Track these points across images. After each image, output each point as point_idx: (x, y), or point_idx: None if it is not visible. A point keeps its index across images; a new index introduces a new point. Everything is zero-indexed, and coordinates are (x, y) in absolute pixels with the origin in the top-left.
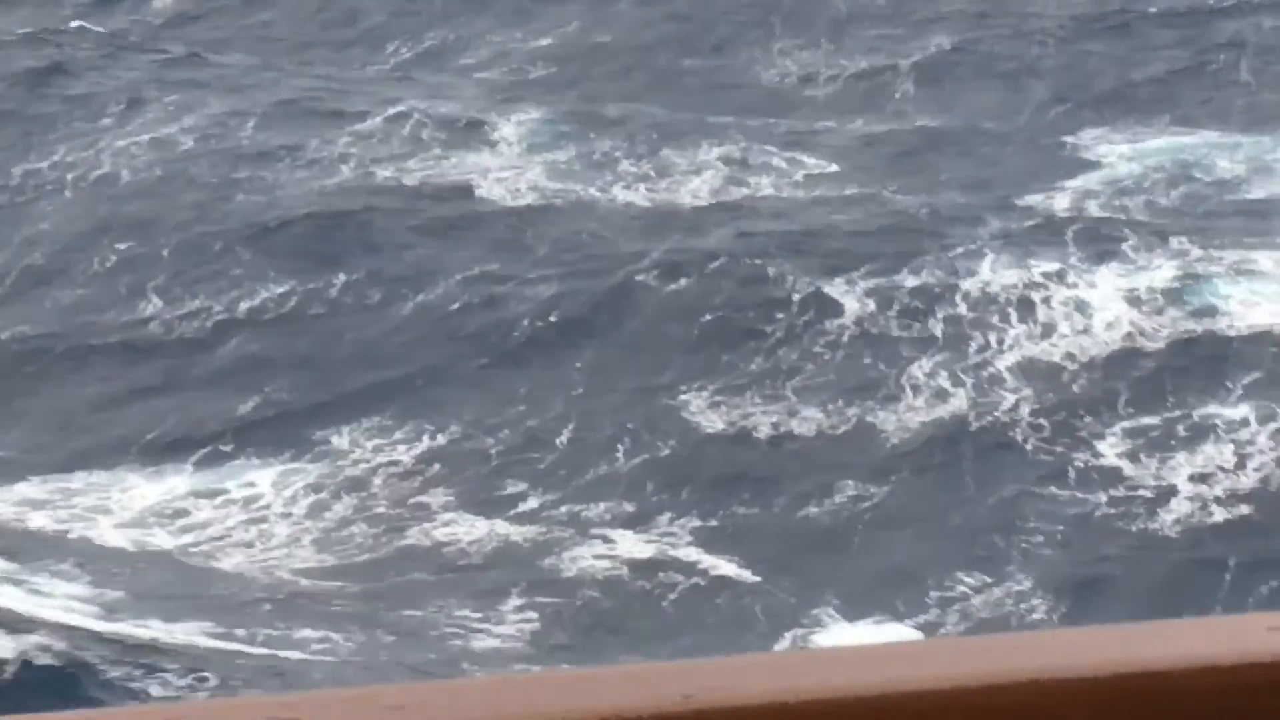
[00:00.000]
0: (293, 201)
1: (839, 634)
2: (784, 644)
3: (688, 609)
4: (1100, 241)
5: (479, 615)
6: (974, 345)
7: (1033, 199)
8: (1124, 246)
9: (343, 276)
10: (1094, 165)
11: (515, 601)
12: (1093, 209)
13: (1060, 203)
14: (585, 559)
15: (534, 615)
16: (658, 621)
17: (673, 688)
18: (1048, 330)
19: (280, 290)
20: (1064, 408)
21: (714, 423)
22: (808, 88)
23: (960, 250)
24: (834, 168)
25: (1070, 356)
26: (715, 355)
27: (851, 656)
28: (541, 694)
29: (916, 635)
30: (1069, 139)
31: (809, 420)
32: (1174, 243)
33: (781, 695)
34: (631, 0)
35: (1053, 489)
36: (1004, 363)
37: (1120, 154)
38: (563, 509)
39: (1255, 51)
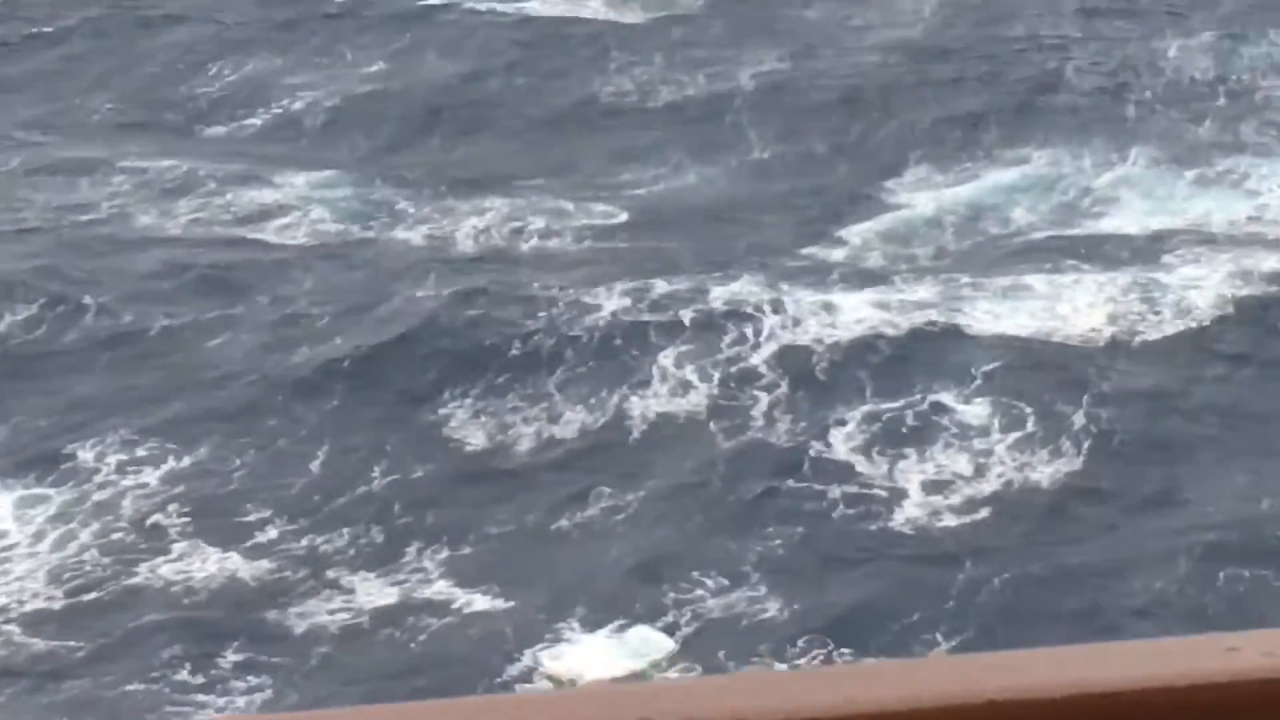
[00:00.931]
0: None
1: (583, 645)
2: (527, 661)
3: (435, 644)
4: (869, 274)
5: (199, 679)
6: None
7: (813, 248)
8: (895, 277)
9: (91, 301)
10: (895, 207)
11: (236, 657)
12: (874, 246)
13: (848, 241)
14: (320, 614)
15: (263, 679)
16: (402, 663)
17: (631, 711)
18: (796, 330)
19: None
20: (809, 404)
21: (476, 439)
22: (604, 137)
23: (719, 274)
24: (623, 217)
25: (818, 355)
26: (478, 374)
27: (809, 677)
28: (495, 715)
29: (663, 639)
30: (881, 181)
31: (570, 426)
32: (944, 275)
33: (740, 714)
34: (437, 52)
35: (790, 483)
36: (754, 362)
37: (928, 196)
38: (303, 541)
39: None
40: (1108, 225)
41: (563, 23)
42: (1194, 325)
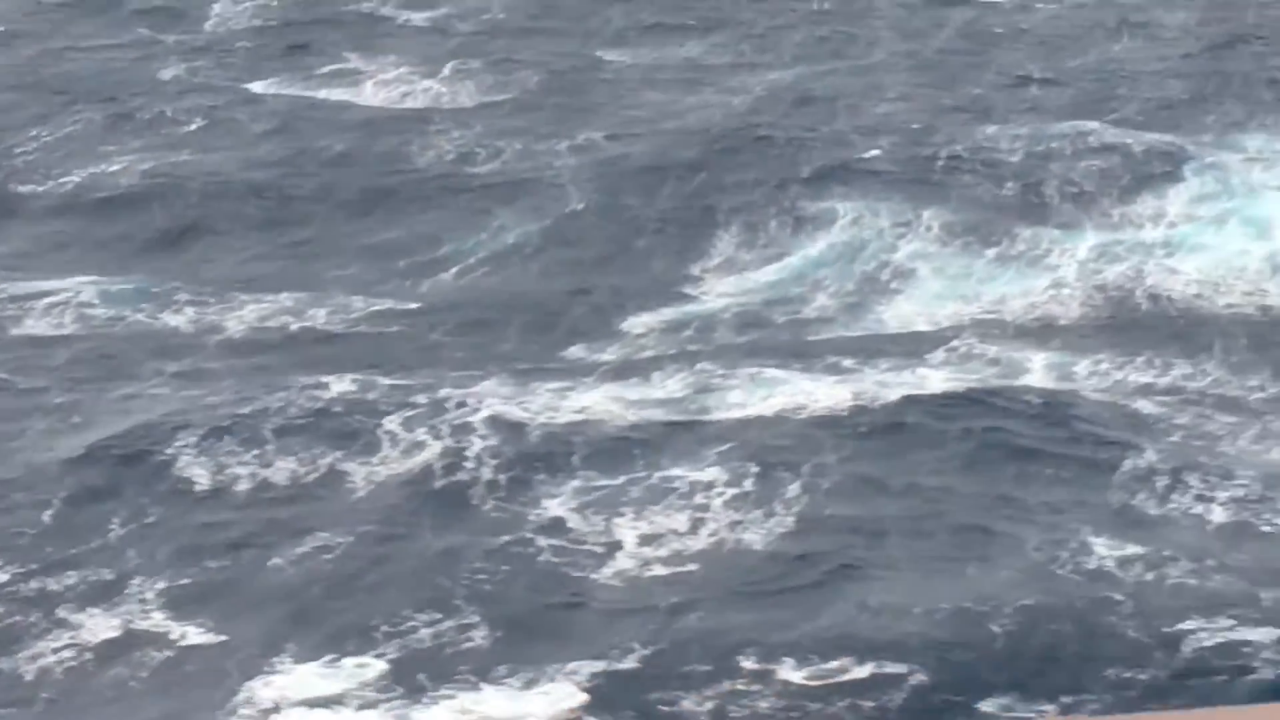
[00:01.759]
0: None
1: (295, 674)
2: (244, 692)
3: (157, 678)
4: (630, 367)
5: None
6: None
7: (584, 343)
8: (655, 371)
9: None
10: (687, 297)
11: None
12: (648, 339)
13: (626, 333)
14: (46, 654)
15: None
16: (126, 698)
17: None
18: (533, 414)
19: None
20: (530, 477)
21: (201, 479)
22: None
23: (475, 368)
24: (408, 305)
25: (540, 426)
26: (204, 426)
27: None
28: None
29: (372, 665)
30: (685, 266)
31: (283, 473)
32: (700, 366)
33: None
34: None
35: (506, 537)
36: (481, 435)
37: (728, 283)
38: (32, 584)
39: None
40: (897, 310)
41: (392, 110)
42: (917, 416)
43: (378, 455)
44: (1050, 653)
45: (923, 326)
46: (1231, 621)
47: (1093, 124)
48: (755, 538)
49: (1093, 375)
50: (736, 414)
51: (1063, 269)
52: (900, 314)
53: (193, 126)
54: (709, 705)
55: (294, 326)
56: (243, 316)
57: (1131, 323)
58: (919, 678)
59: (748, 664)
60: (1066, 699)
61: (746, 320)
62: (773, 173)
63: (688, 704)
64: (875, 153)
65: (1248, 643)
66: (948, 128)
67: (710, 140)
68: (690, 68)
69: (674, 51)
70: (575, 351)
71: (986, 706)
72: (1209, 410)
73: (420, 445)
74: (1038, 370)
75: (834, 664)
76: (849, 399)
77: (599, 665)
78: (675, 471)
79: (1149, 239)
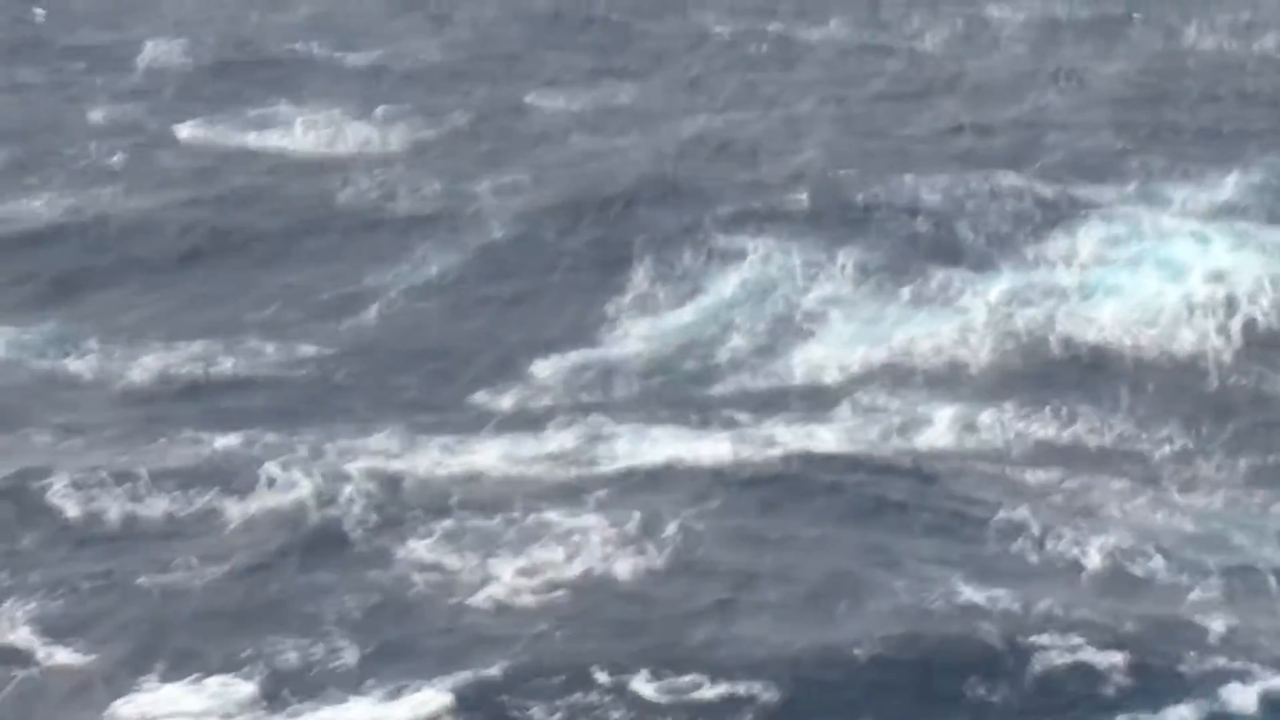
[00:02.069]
0: None
1: (162, 693)
2: (109, 711)
3: (24, 698)
4: (524, 417)
5: None
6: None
7: (483, 392)
8: (549, 423)
9: None
10: (595, 343)
11: None
12: (547, 388)
13: (532, 380)
14: None
15: None
16: None
17: None
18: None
19: None
20: (400, 509)
21: (72, 508)
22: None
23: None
24: (308, 350)
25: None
26: (79, 455)
27: None
28: None
29: (239, 685)
30: (600, 306)
31: (157, 508)
32: (593, 417)
33: None
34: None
35: (377, 572)
36: (354, 482)
37: (642, 326)
38: None
39: None
40: (807, 354)
41: (319, 152)
42: (804, 471)
43: (253, 496)
44: (912, 677)
45: (831, 373)
46: (1084, 643)
47: (1016, 172)
48: (626, 573)
49: (995, 426)
50: (623, 464)
51: (974, 312)
52: (810, 358)
53: (116, 167)
54: (559, 714)
55: (198, 373)
56: (147, 364)
57: (1041, 369)
58: (772, 696)
59: (602, 677)
60: None
61: (654, 367)
62: (691, 214)
63: (538, 713)
64: (795, 196)
65: (1103, 665)
66: (869, 174)
67: (632, 182)
68: (621, 112)
69: (607, 95)
70: (478, 398)
71: None
72: (1106, 465)
73: (296, 487)
74: (940, 424)
75: (688, 679)
76: (738, 454)
77: (463, 675)
78: (552, 516)
79: (1063, 282)
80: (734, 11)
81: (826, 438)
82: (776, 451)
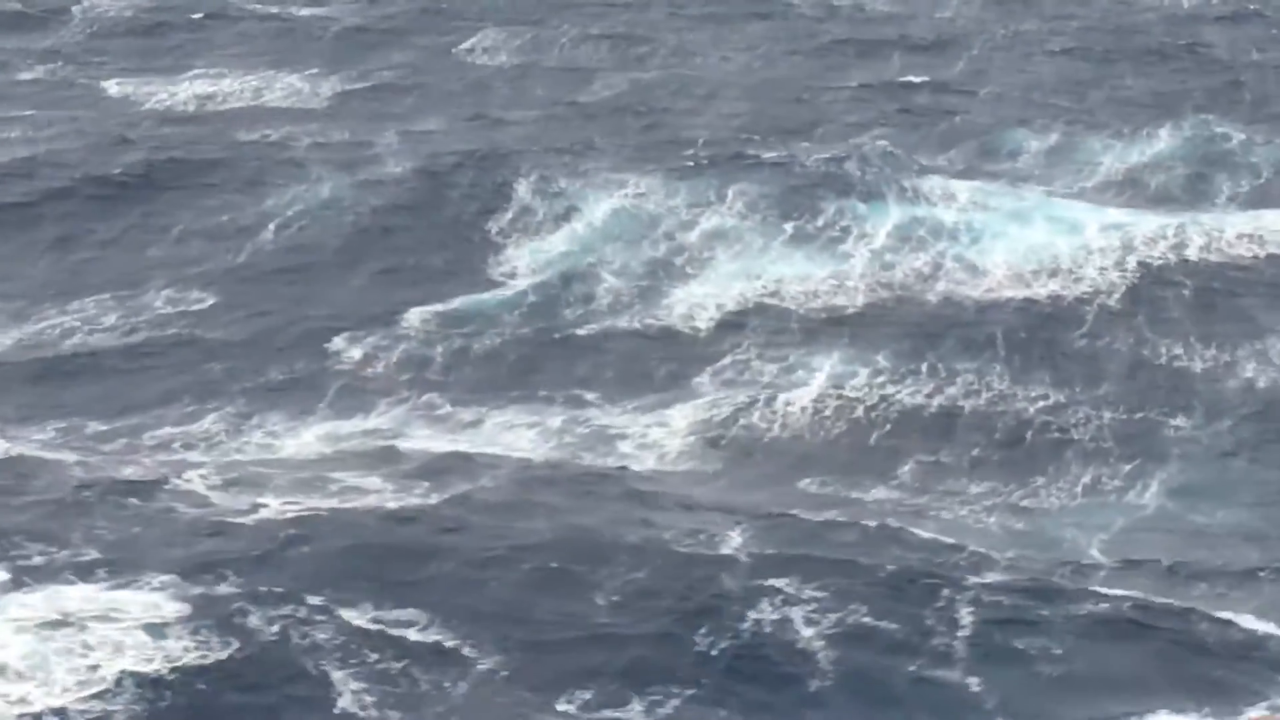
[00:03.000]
0: None
1: None
2: None
3: None
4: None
5: None
6: None
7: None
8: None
9: None
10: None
11: None
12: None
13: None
14: None
15: None
16: None
17: None
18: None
19: None
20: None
21: None
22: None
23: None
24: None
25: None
26: None
27: None
28: None
29: None
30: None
31: None
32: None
33: None
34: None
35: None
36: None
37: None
38: None
39: None
40: (688, 293)
41: (241, 105)
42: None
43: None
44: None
45: (706, 319)
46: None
47: (931, 127)
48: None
49: (866, 389)
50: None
51: (856, 257)
52: (690, 297)
53: (41, 124)
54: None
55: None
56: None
57: (921, 318)
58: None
59: (315, 600)
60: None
61: (533, 310)
62: (591, 161)
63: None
64: (698, 146)
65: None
66: (779, 128)
67: (534, 133)
68: (547, 68)
69: (537, 50)
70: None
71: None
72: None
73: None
74: (815, 382)
75: (402, 614)
76: (547, 455)
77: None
78: (338, 475)
79: (950, 221)
80: None
81: (656, 440)
82: (588, 459)
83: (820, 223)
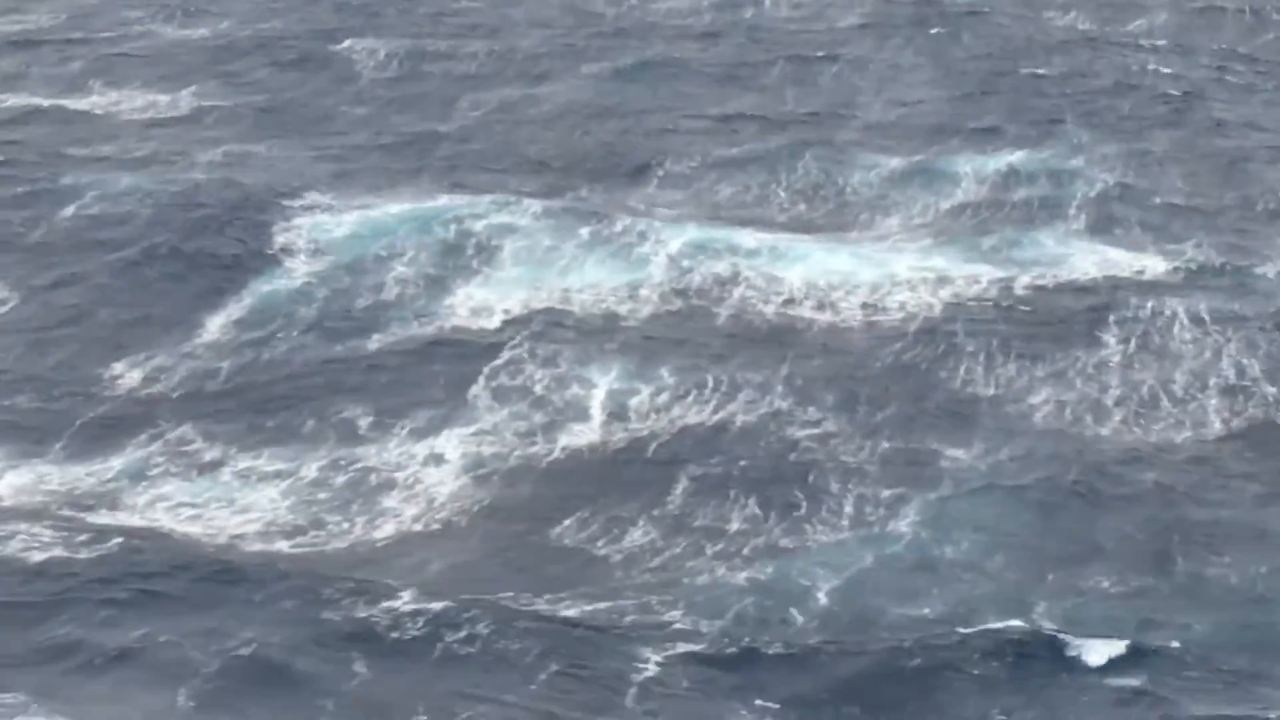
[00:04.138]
0: None
1: None
2: None
3: None
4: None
5: None
6: None
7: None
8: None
9: None
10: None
11: None
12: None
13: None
14: None
15: None
16: None
17: None
18: None
19: None
20: None
21: None
22: None
23: None
24: None
25: None
26: None
27: None
28: None
29: None
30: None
31: None
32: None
33: None
34: None
35: None
36: None
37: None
38: None
39: None
40: (470, 296)
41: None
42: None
43: None
44: None
45: (488, 327)
46: None
47: (778, 141)
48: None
49: (644, 406)
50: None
51: (652, 266)
52: (476, 302)
53: None
54: None
55: None
56: None
57: (710, 332)
58: None
59: None
60: None
61: (319, 314)
62: (413, 159)
63: None
64: (538, 157)
65: None
66: (622, 146)
67: (381, 149)
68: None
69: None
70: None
71: None
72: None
73: None
74: (594, 400)
75: None
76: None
77: None
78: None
79: (749, 245)
80: None
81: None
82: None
83: (618, 228)
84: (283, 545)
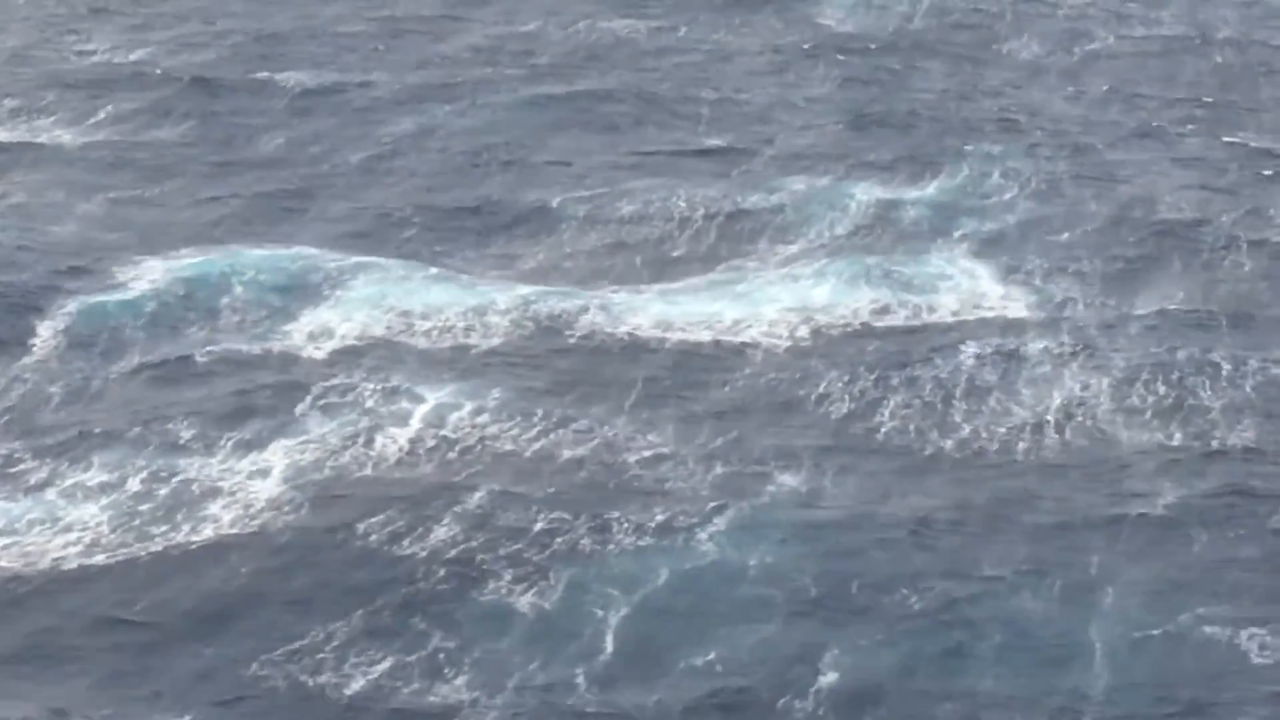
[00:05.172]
0: None
1: None
2: None
3: None
4: None
5: None
6: None
7: None
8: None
9: None
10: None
11: None
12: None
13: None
14: None
15: None
16: None
17: None
18: None
19: None
20: None
21: None
22: None
23: None
24: None
25: None
26: None
27: None
28: None
29: None
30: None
31: None
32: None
33: None
34: None
35: None
36: None
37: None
38: None
39: None
40: (315, 318)
41: None
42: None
43: None
44: None
45: (329, 343)
46: None
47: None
48: None
49: (465, 428)
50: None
51: (497, 295)
52: (313, 326)
53: None
54: None
55: None
56: None
57: (557, 359)
58: None
59: None
60: None
61: (156, 326)
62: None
63: None
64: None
65: None
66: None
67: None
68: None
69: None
70: None
71: None
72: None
73: None
74: (417, 416)
75: None
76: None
77: None
78: None
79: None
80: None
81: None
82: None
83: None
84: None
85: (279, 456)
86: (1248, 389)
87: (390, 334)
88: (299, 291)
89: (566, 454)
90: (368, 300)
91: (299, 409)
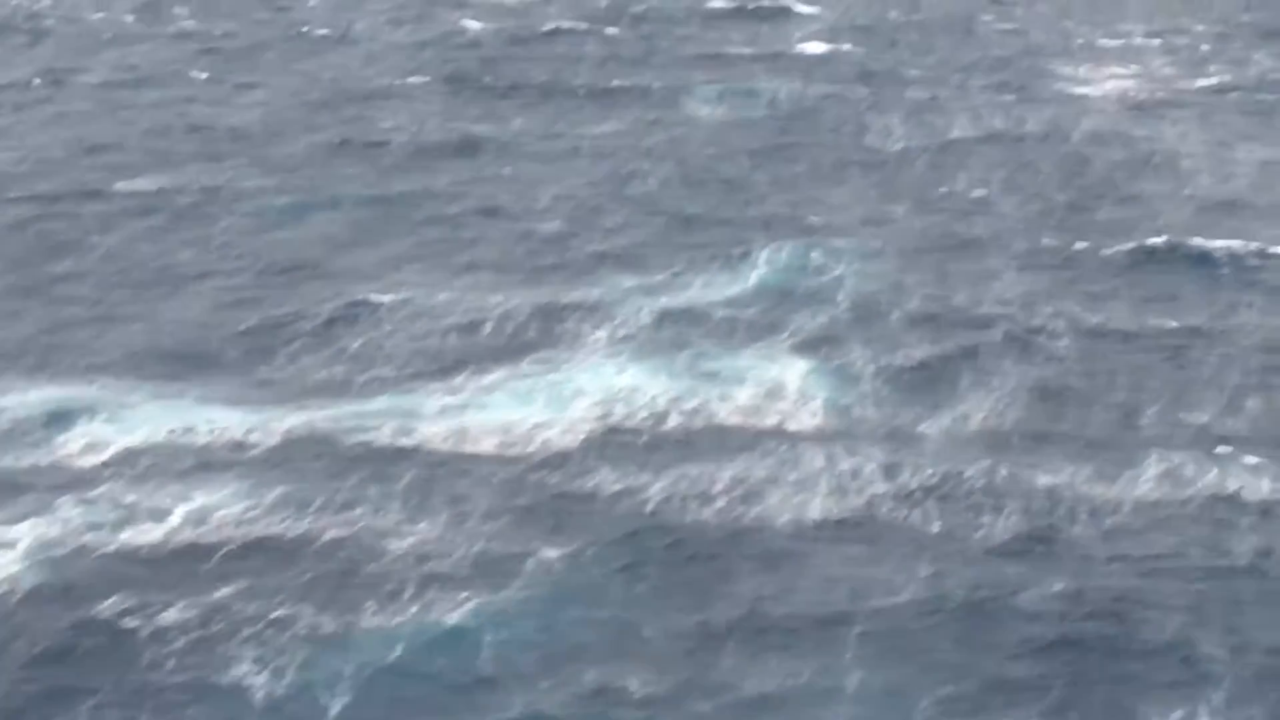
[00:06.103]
0: None
1: None
2: None
3: None
4: None
5: None
6: None
7: None
8: None
9: None
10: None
11: None
12: None
13: None
14: None
15: None
16: None
17: None
18: None
19: None
20: None
21: None
22: None
23: None
24: None
25: None
26: None
27: None
28: None
29: None
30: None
31: None
32: None
33: None
34: None
35: None
36: None
37: None
38: None
39: None
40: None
41: None
42: None
43: None
44: None
45: (103, 454)
46: None
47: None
48: None
49: (232, 519)
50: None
51: (277, 385)
52: (90, 438)
53: None
54: None
55: None
56: None
57: (335, 458)
58: None
59: None
60: None
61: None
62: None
63: None
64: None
65: None
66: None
67: None
68: None
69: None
70: None
71: None
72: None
73: None
74: (179, 511)
75: None
76: None
77: None
78: None
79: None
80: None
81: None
82: None
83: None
84: None
85: (26, 532)
86: None
87: (170, 437)
88: (78, 406)
89: (327, 536)
90: (150, 414)
91: (60, 500)
